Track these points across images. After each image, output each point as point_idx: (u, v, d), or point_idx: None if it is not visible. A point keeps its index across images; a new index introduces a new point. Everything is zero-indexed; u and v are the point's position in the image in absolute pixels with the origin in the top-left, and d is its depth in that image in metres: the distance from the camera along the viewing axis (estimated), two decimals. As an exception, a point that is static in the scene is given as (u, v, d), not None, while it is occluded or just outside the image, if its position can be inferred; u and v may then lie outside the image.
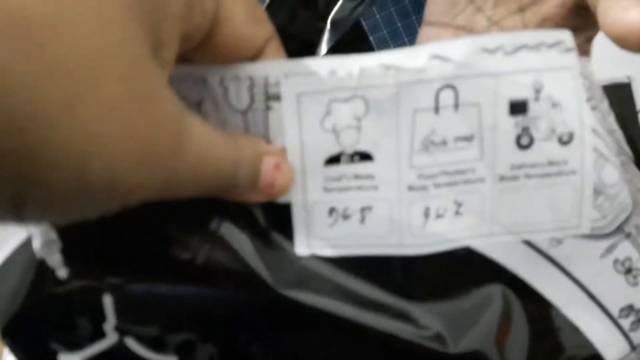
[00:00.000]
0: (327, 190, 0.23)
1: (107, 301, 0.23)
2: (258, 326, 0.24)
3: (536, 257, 0.24)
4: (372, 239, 0.24)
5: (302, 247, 0.24)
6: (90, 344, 0.24)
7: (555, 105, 0.22)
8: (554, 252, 0.24)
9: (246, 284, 0.23)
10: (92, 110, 0.15)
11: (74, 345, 0.24)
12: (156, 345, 0.24)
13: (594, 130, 0.23)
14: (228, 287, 0.24)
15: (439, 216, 0.23)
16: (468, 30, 0.31)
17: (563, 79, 0.22)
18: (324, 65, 0.22)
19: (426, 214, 0.23)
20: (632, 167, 0.25)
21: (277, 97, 0.22)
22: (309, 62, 0.22)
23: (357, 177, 0.23)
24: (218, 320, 0.24)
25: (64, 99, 0.14)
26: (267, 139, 0.22)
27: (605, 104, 0.24)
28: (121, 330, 0.24)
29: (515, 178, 0.23)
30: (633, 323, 0.25)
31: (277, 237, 0.24)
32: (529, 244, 0.24)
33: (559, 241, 0.24)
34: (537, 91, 0.22)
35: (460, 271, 0.24)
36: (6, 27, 0.13)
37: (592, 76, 0.23)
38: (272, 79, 0.22)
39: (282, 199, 0.23)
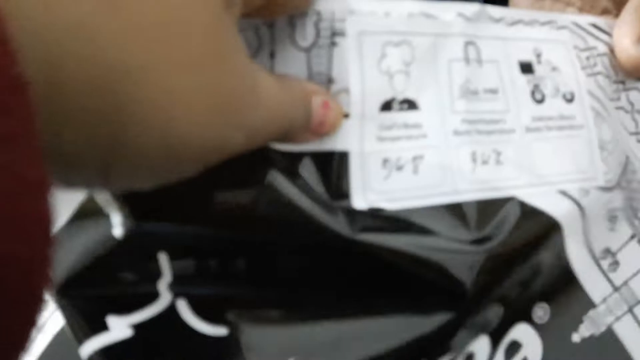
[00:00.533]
0: (380, 139, 0.23)
1: (163, 258, 0.21)
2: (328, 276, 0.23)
3: (572, 206, 0.25)
4: (427, 189, 0.23)
5: (360, 200, 0.22)
6: (142, 308, 0.22)
7: (554, 68, 0.26)
8: (585, 202, 0.26)
9: (315, 231, 0.21)
10: (178, 66, 0.15)
11: (124, 307, 0.22)
12: (209, 312, 0.22)
13: (589, 92, 0.27)
14: (294, 236, 0.22)
15: (484, 162, 0.24)
16: None
17: (557, 49, 0.26)
18: (380, 6, 0.23)
19: (473, 158, 0.24)
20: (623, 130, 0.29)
21: (343, 33, 0.22)
22: (368, 2, 0.22)
23: (406, 126, 0.23)
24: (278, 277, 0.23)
25: (151, 56, 0.14)
26: (330, 78, 0.22)
27: (603, 74, 0.28)
28: (175, 290, 0.22)
29: (538, 129, 0.25)
30: (610, 264, 0.28)
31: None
32: (564, 193, 0.25)
33: (587, 192, 0.26)
34: (538, 56, 0.26)
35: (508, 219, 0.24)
36: None
37: (594, 50, 0.27)
38: (339, 14, 0.22)
39: (339, 147, 0.22)
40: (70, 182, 0.15)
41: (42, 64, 0.12)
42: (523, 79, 0.26)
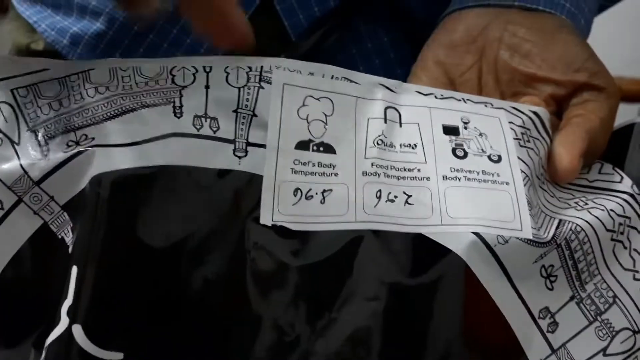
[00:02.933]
0: (295, 172, 0.27)
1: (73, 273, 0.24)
2: None
3: (485, 250, 0.26)
4: (330, 217, 0.26)
5: (267, 218, 0.26)
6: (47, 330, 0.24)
7: (482, 134, 0.29)
8: (499, 249, 0.26)
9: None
10: None
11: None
12: (104, 337, 0.24)
13: (520, 158, 0.28)
14: None
15: (390, 200, 0.27)
16: None
17: (487, 121, 0.29)
18: (306, 67, 0.28)
19: (378, 195, 0.27)
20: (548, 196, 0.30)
21: (269, 82, 0.28)
22: (295, 62, 0.28)
23: (320, 164, 0.27)
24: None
25: None
26: (254, 112, 0.27)
27: (538, 144, 0.30)
28: (72, 315, 0.24)
29: (456, 178, 0.27)
30: (550, 325, 0.27)
31: None
32: (478, 236, 0.26)
33: (505, 240, 0.26)
34: (465, 123, 0.29)
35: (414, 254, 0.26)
36: None
37: (529, 131, 0.30)
38: (266, 67, 0.28)
39: (256, 171, 0.26)
40: None
41: None
42: (445, 138, 0.28)
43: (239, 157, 0.27)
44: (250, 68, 0.28)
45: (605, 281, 0.29)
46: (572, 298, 0.28)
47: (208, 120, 0.27)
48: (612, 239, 0.29)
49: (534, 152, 0.30)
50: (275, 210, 0.26)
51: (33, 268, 0.26)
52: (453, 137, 0.28)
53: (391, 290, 0.25)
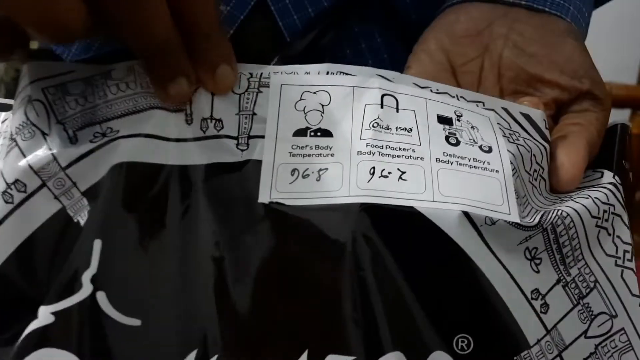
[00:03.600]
0: (292, 155, 0.29)
1: (97, 245, 0.26)
2: None
3: (471, 230, 0.27)
4: (324, 192, 0.28)
5: (265, 196, 0.28)
6: (64, 297, 0.25)
7: (474, 127, 0.30)
8: (485, 230, 0.27)
9: None
10: None
11: (49, 297, 0.26)
12: (125, 304, 0.26)
13: (509, 151, 0.30)
14: None
15: (383, 176, 0.28)
16: None
17: (478, 118, 0.31)
18: (302, 68, 0.31)
19: (371, 172, 0.28)
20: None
21: (267, 85, 0.30)
22: (291, 67, 0.31)
23: (317, 147, 0.29)
24: None
25: None
26: (254, 112, 0.30)
27: (529, 143, 0.31)
28: (96, 283, 0.26)
29: (448, 162, 0.29)
30: (542, 306, 0.28)
31: None
32: (467, 215, 0.27)
33: (493, 221, 0.27)
34: (459, 116, 0.31)
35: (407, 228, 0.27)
36: None
37: (516, 134, 0.31)
38: (265, 74, 0.30)
39: (255, 157, 0.29)
40: None
41: None
42: (439, 126, 0.30)
43: (242, 150, 0.29)
44: (250, 74, 0.30)
45: (588, 266, 0.30)
46: (558, 281, 0.29)
47: (213, 121, 0.29)
48: (597, 226, 0.30)
49: (525, 149, 0.31)
50: (273, 189, 0.28)
51: (44, 251, 0.27)
52: (447, 126, 0.30)
53: (375, 263, 0.26)
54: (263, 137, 0.29)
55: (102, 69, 0.30)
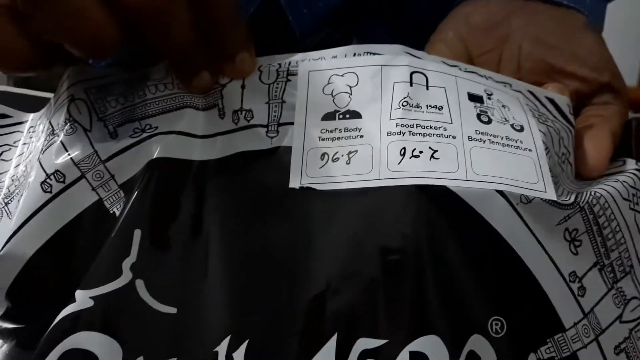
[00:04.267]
0: (322, 139, 0.28)
1: (137, 235, 0.27)
2: None
3: (507, 208, 0.26)
4: (354, 175, 0.27)
5: (296, 182, 0.28)
6: (104, 283, 0.26)
7: (504, 106, 0.29)
8: (521, 208, 0.26)
9: None
10: None
11: (88, 282, 0.26)
12: (163, 293, 0.26)
13: (540, 131, 0.29)
14: None
15: (414, 156, 0.27)
16: None
17: (509, 98, 0.30)
18: (329, 52, 0.30)
19: (402, 153, 0.27)
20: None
21: (295, 74, 0.30)
22: (319, 52, 0.30)
23: (346, 129, 0.29)
24: None
25: None
26: (283, 100, 0.29)
27: (557, 125, 0.31)
28: (136, 271, 0.26)
29: (481, 140, 0.28)
30: (579, 289, 0.27)
31: None
32: (502, 194, 0.26)
33: (529, 199, 0.27)
34: (489, 95, 0.30)
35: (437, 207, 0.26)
36: None
37: (544, 116, 0.31)
38: (293, 63, 0.30)
39: (285, 143, 0.29)
40: None
41: None
42: (470, 104, 0.29)
43: (271, 138, 0.29)
44: (279, 65, 0.30)
45: (627, 250, 0.29)
46: (595, 264, 0.28)
47: (243, 112, 0.29)
48: (631, 209, 0.29)
49: (554, 130, 0.30)
50: (304, 174, 0.28)
51: (79, 240, 0.28)
52: (478, 104, 0.29)
53: (410, 243, 0.26)
54: (292, 123, 0.29)
55: (139, 71, 0.30)
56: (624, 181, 0.30)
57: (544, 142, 0.29)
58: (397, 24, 0.45)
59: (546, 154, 0.29)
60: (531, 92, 0.32)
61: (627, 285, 0.29)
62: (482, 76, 0.31)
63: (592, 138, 0.33)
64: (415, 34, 0.43)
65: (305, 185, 0.27)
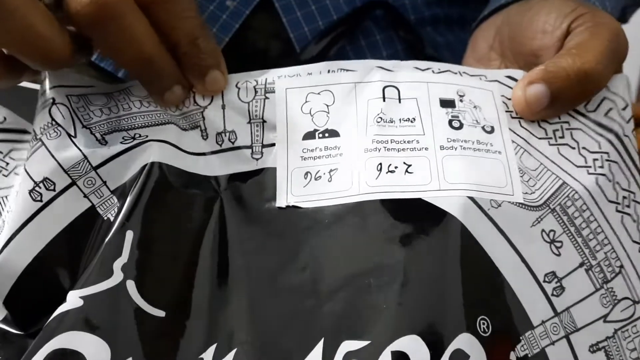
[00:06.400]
0: (304, 159, 0.30)
1: (129, 236, 0.27)
2: None
3: (479, 214, 0.28)
4: (336, 192, 0.29)
5: (282, 201, 0.29)
6: (94, 283, 0.26)
7: (476, 107, 0.31)
8: (493, 213, 0.28)
9: None
10: None
11: (79, 284, 0.27)
12: (152, 295, 0.27)
13: (511, 130, 0.30)
14: None
15: (390, 171, 0.29)
16: None
17: (481, 94, 0.31)
18: (304, 69, 0.32)
19: (379, 168, 0.29)
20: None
21: (273, 91, 0.31)
22: (294, 68, 0.32)
23: (326, 148, 0.30)
24: None
25: None
26: (264, 119, 0.31)
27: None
28: (127, 272, 0.27)
29: (453, 147, 0.29)
30: (555, 289, 0.28)
31: None
32: (473, 200, 0.28)
33: (498, 204, 0.28)
34: (461, 96, 0.31)
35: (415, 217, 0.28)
36: None
37: None
38: (270, 80, 0.31)
39: (269, 165, 0.30)
40: None
41: None
42: (442, 111, 0.31)
43: (256, 159, 0.30)
44: (256, 82, 0.31)
45: (615, 251, 0.30)
46: (581, 265, 0.29)
47: (227, 134, 0.31)
48: (618, 211, 0.30)
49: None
50: (289, 193, 0.29)
51: (73, 248, 0.28)
52: (449, 110, 0.31)
53: (390, 252, 0.27)
54: (274, 145, 0.30)
55: (120, 86, 0.31)
56: (617, 182, 0.30)
57: (513, 142, 0.30)
58: (386, 25, 0.46)
59: (516, 154, 0.30)
60: (509, 77, 0.33)
61: (618, 286, 0.30)
62: (455, 73, 0.32)
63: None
64: (404, 35, 0.46)
65: (291, 204, 0.29)
